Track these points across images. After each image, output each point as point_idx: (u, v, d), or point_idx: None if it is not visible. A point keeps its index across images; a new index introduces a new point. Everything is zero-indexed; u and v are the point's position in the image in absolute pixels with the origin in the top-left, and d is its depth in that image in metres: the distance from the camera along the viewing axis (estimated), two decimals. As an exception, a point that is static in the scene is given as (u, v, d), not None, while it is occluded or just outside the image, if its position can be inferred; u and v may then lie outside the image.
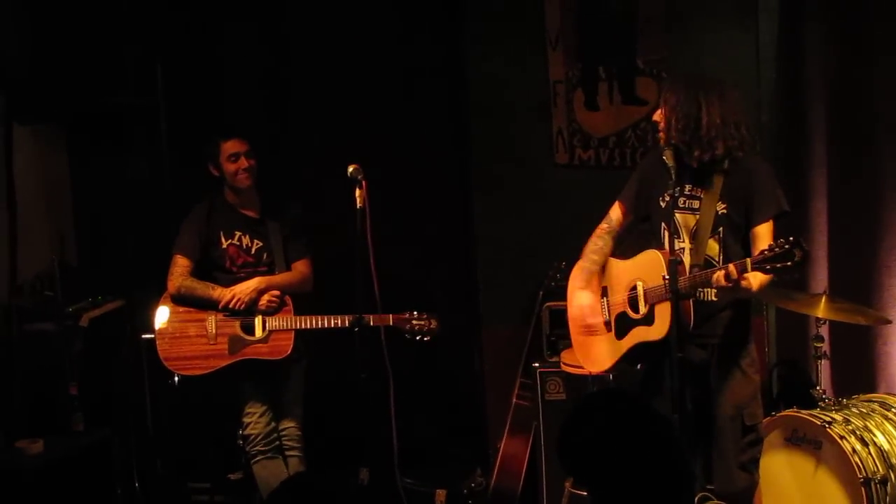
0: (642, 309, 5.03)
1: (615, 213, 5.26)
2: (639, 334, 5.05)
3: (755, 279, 4.70)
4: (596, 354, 5.28)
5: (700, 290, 4.91)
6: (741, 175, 4.96)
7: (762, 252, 4.62)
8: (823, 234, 6.08)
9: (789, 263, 4.55)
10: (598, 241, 5.24)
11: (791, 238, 4.57)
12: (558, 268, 5.90)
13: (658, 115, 4.98)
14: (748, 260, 4.66)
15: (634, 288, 5.07)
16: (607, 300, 5.22)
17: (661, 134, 4.95)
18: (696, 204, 5.00)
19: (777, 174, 5.16)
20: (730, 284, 4.70)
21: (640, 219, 5.26)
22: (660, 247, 5.04)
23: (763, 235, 4.91)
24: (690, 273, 4.87)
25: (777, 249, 4.57)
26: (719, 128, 4.86)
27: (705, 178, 4.99)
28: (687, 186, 4.98)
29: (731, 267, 4.68)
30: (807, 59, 6.11)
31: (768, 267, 4.59)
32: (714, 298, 4.96)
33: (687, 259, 4.95)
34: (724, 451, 5.05)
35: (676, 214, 4.91)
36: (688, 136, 4.88)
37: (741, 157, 4.92)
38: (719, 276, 4.70)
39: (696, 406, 5.04)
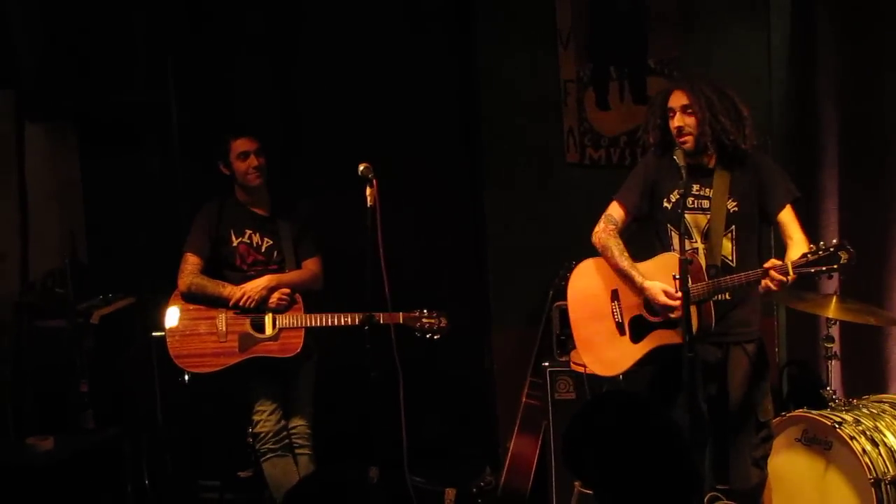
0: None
1: (617, 213, 5.22)
2: (661, 337, 5.03)
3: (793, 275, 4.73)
4: (609, 358, 5.23)
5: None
6: (746, 170, 5.00)
7: (804, 255, 4.65)
8: (834, 234, 6.05)
9: (835, 266, 4.58)
10: (619, 241, 5.19)
11: (835, 241, 4.60)
12: (568, 267, 5.88)
13: (684, 120, 4.94)
14: (789, 264, 4.68)
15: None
16: (619, 303, 5.19)
17: (689, 138, 4.92)
18: (705, 203, 5.00)
19: (788, 174, 5.17)
20: (775, 288, 4.72)
21: (636, 220, 5.26)
22: (670, 249, 5.04)
23: (788, 221, 4.97)
24: (708, 274, 4.88)
25: (821, 252, 4.60)
26: (748, 122, 4.90)
27: (712, 177, 5.00)
28: (694, 186, 4.98)
29: (773, 271, 4.69)
30: (818, 59, 6.09)
31: (812, 270, 4.61)
32: (728, 297, 4.97)
33: (702, 260, 4.95)
34: (740, 449, 5.08)
35: (686, 215, 4.90)
36: (727, 136, 4.89)
37: (750, 151, 4.95)
38: (766, 283, 4.72)
39: (711, 404, 5.05)
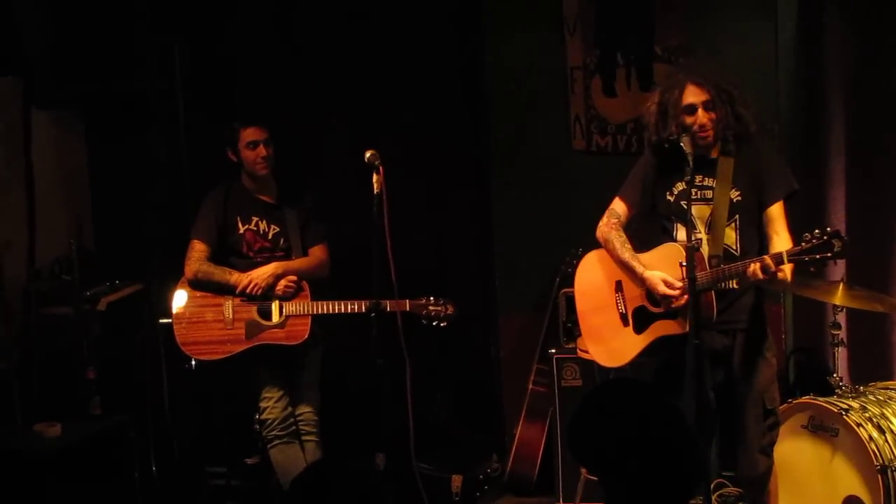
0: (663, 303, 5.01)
1: (620, 208, 5.21)
2: (662, 328, 5.03)
3: (789, 269, 4.71)
4: (614, 349, 5.24)
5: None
6: (750, 159, 4.98)
7: (799, 244, 4.63)
8: (841, 221, 6.06)
9: (829, 254, 4.57)
10: (621, 234, 5.18)
11: (828, 228, 4.59)
12: (575, 254, 5.89)
13: (708, 116, 4.88)
14: (784, 252, 4.68)
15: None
16: (622, 294, 5.19)
17: (710, 133, 4.89)
18: (709, 194, 4.99)
19: (795, 162, 5.16)
20: (766, 277, 4.70)
21: (642, 214, 5.25)
22: (674, 240, 5.04)
23: (777, 217, 4.95)
24: (710, 264, 4.87)
25: (814, 241, 4.58)
26: (753, 107, 4.90)
27: (715, 167, 4.98)
28: (697, 177, 4.95)
29: (768, 260, 4.69)
30: (826, 46, 6.09)
31: (807, 259, 4.60)
32: (735, 286, 4.96)
33: (705, 250, 4.94)
34: (748, 436, 5.08)
35: (691, 206, 4.88)
36: (747, 127, 4.88)
37: (747, 141, 4.94)
38: (756, 269, 4.71)
39: (717, 392, 5.05)
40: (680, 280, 4.84)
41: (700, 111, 4.90)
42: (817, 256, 4.60)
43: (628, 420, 3.06)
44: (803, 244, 4.63)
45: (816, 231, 4.62)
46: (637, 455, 3.01)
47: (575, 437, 3.17)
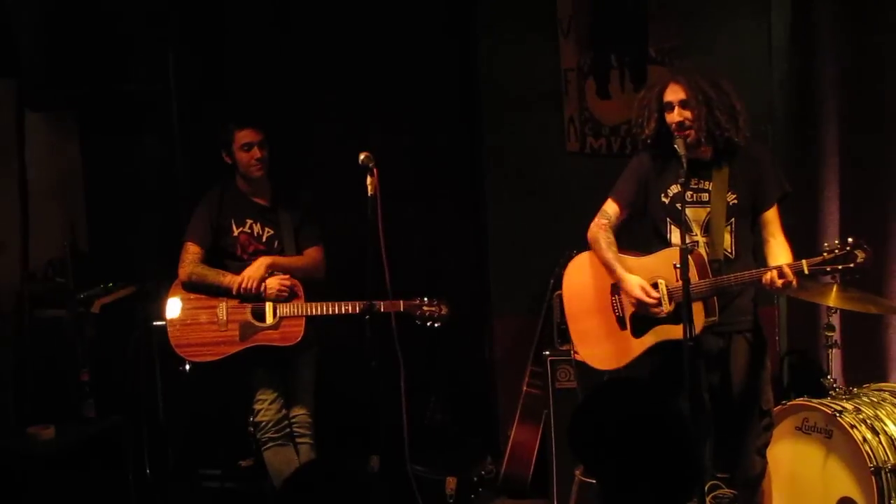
0: (667, 307, 5.00)
1: (611, 209, 5.21)
2: (664, 332, 5.02)
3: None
4: (609, 352, 5.24)
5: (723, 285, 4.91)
6: (746, 162, 4.99)
7: (821, 255, 4.64)
8: (835, 222, 6.07)
9: (852, 265, 4.57)
10: (609, 235, 5.19)
11: (851, 239, 4.60)
12: (569, 256, 5.88)
13: (683, 115, 4.90)
14: (804, 262, 4.69)
15: (655, 286, 5.04)
16: (619, 297, 5.18)
17: (690, 132, 4.90)
18: (704, 197, 4.99)
19: (788, 162, 5.16)
20: (780, 285, 4.71)
21: (633, 216, 5.25)
22: (669, 243, 5.03)
23: (772, 219, 4.98)
24: (712, 268, 4.87)
25: (837, 251, 4.60)
26: (741, 115, 4.89)
27: (710, 170, 4.98)
28: (692, 179, 4.96)
29: (786, 269, 4.69)
30: (819, 47, 6.09)
31: (828, 269, 4.61)
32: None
33: (703, 254, 4.94)
34: (744, 438, 5.09)
35: (686, 208, 4.88)
36: (722, 131, 4.87)
37: (743, 144, 4.94)
38: (773, 277, 4.72)
39: (714, 394, 5.05)
40: (677, 282, 4.83)
41: (677, 109, 4.93)
42: (839, 268, 4.61)
43: (629, 420, 3.06)
44: (825, 255, 4.64)
45: (836, 242, 4.64)
46: (637, 455, 3.02)
47: (575, 436, 3.17)
